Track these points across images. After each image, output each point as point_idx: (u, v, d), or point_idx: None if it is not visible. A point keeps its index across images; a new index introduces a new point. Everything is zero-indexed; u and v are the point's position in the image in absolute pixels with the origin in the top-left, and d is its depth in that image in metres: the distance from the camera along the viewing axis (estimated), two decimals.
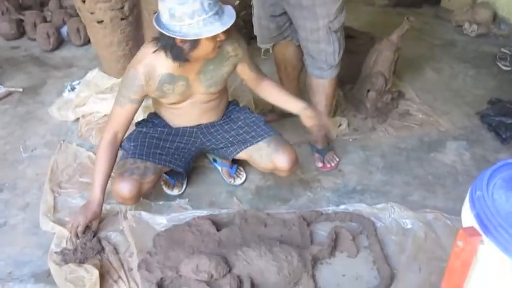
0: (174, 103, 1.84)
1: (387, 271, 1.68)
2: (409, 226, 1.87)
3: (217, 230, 1.79)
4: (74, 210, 1.89)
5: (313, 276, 1.67)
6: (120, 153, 1.87)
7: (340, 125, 2.50)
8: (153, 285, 1.58)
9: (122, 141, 1.84)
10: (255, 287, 1.62)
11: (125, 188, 1.75)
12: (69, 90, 2.65)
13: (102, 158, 1.76)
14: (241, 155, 1.94)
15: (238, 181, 2.13)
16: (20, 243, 1.79)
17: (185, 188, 2.09)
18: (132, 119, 1.82)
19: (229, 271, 1.61)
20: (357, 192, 2.11)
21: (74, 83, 2.69)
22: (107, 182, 1.78)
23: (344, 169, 2.25)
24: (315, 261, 1.72)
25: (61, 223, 1.83)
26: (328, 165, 2.23)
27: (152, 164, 1.82)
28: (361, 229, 1.88)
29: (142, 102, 1.80)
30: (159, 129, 1.93)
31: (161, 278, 1.60)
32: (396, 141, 2.45)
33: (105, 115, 2.45)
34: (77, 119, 2.48)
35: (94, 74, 2.62)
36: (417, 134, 2.50)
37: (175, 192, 2.06)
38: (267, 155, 1.88)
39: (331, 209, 1.96)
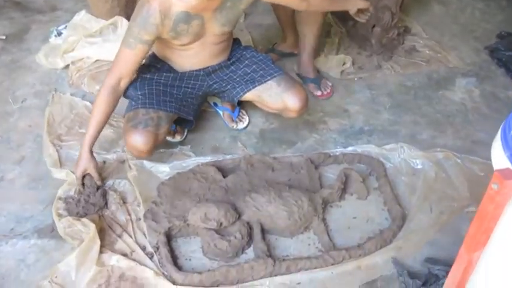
0: (184, 44, 1.72)
1: (398, 212, 1.65)
2: (419, 166, 1.83)
3: (223, 177, 1.74)
4: None
5: (324, 220, 1.64)
6: (125, 102, 1.76)
7: (344, 64, 2.39)
8: (160, 235, 1.54)
9: (125, 90, 1.72)
10: (265, 232, 1.59)
11: (140, 140, 1.66)
12: (55, 36, 2.48)
13: (101, 106, 1.65)
14: (249, 95, 1.85)
15: (241, 125, 2.05)
16: (19, 199, 1.72)
17: (186, 134, 2.01)
18: (140, 65, 1.69)
19: (238, 218, 1.58)
20: (364, 133, 2.04)
21: (60, 28, 2.51)
22: (100, 132, 1.69)
23: (350, 109, 2.17)
24: (325, 204, 1.68)
25: None
26: (325, 92, 2.21)
27: (164, 113, 1.73)
28: (370, 170, 1.84)
29: (152, 45, 1.66)
30: (164, 74, 1.81)
31: (169, 228, 1.57)
32: (403, 79, 2.36)
33: (96, 60, 2.30)
34: (67, 66, 2.33)
35: (81, 17, 2.44)
36: (424, 71, 2.40)
37: (177, 139, 1.97)
38: (276, 94, 1.79)
39: (339, 150, 1.91)
